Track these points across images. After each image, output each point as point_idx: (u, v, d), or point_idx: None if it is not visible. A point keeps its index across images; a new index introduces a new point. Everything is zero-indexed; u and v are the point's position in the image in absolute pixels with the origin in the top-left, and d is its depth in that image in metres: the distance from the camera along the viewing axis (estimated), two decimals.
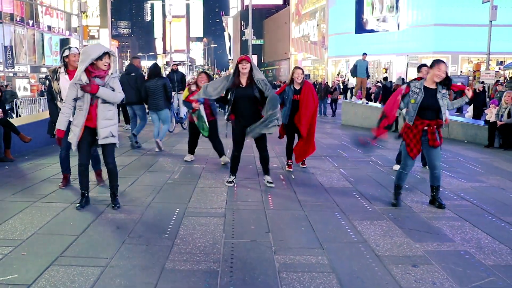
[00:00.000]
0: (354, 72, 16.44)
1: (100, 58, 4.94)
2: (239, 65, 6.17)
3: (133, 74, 10.00)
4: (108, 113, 5.13)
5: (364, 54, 16.29)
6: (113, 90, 5.10)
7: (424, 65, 7.23)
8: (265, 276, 3.56)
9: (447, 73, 5.40)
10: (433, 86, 5.37)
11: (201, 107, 7.76)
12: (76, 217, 4.98)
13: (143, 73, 11.04)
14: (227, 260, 3.85)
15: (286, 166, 7.77)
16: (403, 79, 17.69)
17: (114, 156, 5.43)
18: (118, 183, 5.50)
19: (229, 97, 6.30)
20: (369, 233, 4.56)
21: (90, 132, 5.14)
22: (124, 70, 10.56)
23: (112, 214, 5.10)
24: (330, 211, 5.34)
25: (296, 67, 7.73)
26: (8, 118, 9.53)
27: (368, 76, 16.88)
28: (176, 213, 5.12)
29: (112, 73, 5.11)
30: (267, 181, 6.55)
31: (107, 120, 5.13)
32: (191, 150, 8.44)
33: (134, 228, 4.62)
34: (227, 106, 6.38)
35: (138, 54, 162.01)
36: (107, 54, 4.99)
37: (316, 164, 8.17)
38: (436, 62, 5.39)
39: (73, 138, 5.12)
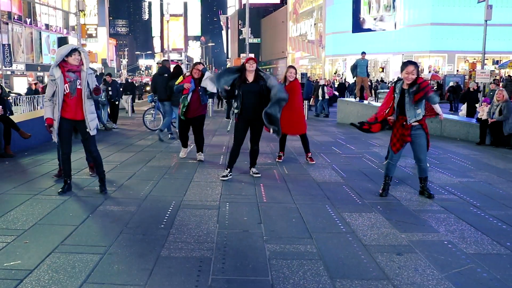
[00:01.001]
0: (354, 71, 16.41)
1: (69, 54, 5.46)
2: (247, 64, 6.63)
3: (166, 75, 11.00)
4: (92, 107, 5.71)
5: (363, 53, 16.33)
6: (88, 86, 5.59)
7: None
8: (256, 263, 3.74)
9: (418, 73, 5.63)
10: (405, 87, 5.63)
11: (189, 97, 7.85)
12: (76, 209, 5.16)
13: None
14: (220, 248, 4.03)
15: (277, 157, 8.23)
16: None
17: (96, 144, 5.93)
18: (103, 169, 5.97)
19: (236, 93, 6.62)
20: (357, 225, 4.75)
21: (69, 122, 5.61)
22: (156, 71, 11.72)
23: (110, 206, 5.28)
24: (321, 204, 5.52)
25: (289, 66, 8.21)
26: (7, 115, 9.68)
27: (368, 75, 16.97)
28: (172, 206, 5.30)
29: (87, 69, 5.60)
30: (254, 173, 6.95)
31: (92, 113, 5.68)
32: (185, 144, 8.52)
33: (131, 219, 4.80)
34: (236, 102, 6.65)
35: (136, 52, 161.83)
36: (76, 50, 5.49)
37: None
38: (404, 65, 5.68)
39: (53, 131, 5.60)
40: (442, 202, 5.69)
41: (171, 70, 11.32)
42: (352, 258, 3.88)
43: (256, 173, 6.94)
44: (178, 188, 6.16)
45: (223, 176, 6.74)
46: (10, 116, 9.96)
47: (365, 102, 16.81)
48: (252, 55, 31.86)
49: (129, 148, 9.75)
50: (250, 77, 6.66)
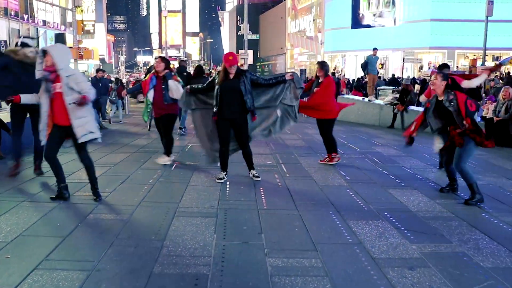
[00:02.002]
0: (365, 68, 15.59)
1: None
2: (228, 68, 6.21)
3: (185, 74, 11.97)
4: (79, 112, 5.08)
5: (375, 49, 15.70)
6: (72, 89, 5.04)
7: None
8: (256, 280, 3.44)
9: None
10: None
11: (150, 95, 7.49)
12: (64, 218, 4.85)
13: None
14: (218, 263, 3.72)
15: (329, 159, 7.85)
16: (413, 78, 17.30)
17: (87, 151, 5.45)
18: (96, 175, 5.56)
19: (215, 93, 6.27)
20: (365, 234, 4.45)
21: (58, 128, 5.19)
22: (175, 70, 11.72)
23: (101, 214, 4.97)
24: (325, 210, 5.22)
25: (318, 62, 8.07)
26: None
27: (377, 72, 16.39)
28: (166, 213, 4.99)
29: (65, 70, 5.07)
30: (253, 176, 6.61)
31: (80, 118, 5.09)
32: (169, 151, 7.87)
33: (123, 229, 4.49)
34: (214, 100, 6.30)
35: (134, 49, 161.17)
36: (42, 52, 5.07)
37: (310, 161, 8.05)
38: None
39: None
40: (452, 208, 5.39)
41: (140, 63, 11.48)
42: (361, 274, 3.57)
43: (256, 176, 6.60)
44: (173, 193, 5.85)
45: (220, 179, 6.45)
46: None
47: (366, 99, 16.50)
48: (248, 51, 31.53)
49: (124, 148, 9.43)
50: (232, 74, 6.25)
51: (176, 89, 7.28)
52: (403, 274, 3.58)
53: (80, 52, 23.02)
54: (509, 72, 29.39)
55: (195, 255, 3.89)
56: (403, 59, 36.25)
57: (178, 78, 7.53)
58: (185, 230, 4.47)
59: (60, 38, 48.66)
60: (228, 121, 6.33)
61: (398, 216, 5.03)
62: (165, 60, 7.64)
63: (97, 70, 14.81)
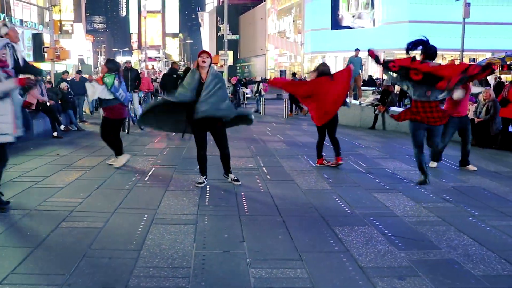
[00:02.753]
0: None
1: None
2: (199, 58, 5.97)
3: (174, 75, 13.10)
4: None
5: (357, 49, 15.67)
6: None
7: None
8: None
9: None
10: None
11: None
12: (34, 227, 4.57)
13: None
14: (197, 275, 3.50)
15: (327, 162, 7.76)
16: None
17: None
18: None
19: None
20: (351, 241, 4.28)
21: None
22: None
23: (74, 222, 4.70)
24: (309, 216, 5.04)
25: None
26: None
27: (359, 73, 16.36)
28: (144, 220, 4.75)
29: None
30: (233, 180, 6.38)
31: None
32: (119, 151, 7.61)
33: (96, 238, 4.23)
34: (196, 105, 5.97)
35: (113, 49, 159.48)
36: None
37: (293, 164, 7.88)
38: None
39: None
40: (438, 211, 5.26)
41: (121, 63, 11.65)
42: (349, 285, 3.39)
43: (236, 180, 6.38)
44: (151, 199, 5.60)
45: (199, 183, 6.22)
46: None
47: (355, 102, 16.40)
48: (228, 51, 31.27)
49: (101, 151, 9.10)
50: (204, 74, 5.95)
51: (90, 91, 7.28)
52: (393, 284, 3.42)
53: (57, 52, 22.47)
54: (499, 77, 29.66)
55: (173, 266, 3.66)
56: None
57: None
58: (163, 239, 4.24)
59: (37, 38, 47.74)
60: (204, 124, 6.05)
61: (385, 221, 4.88)
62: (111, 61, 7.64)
63: (78, 72, 14.65)
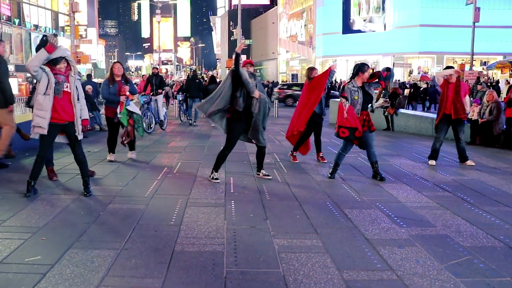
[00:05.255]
0: None
1: (57, 62, 5.56)
2: (252, 68, 6.74)
3: (197, 81, 16.47)
4: (82, 111, 5.89)
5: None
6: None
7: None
8: (266, 256, 3.94)
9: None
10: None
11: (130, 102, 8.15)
12: (86, 207, 5.32)
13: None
14: (231, 243, 4.23)
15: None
16: (403, 83, 17.78)
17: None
18: (88, 173, 6.12)
19: (238, 94, 6.52)
20: (359, 220, 4.97)
21: (56, 126, 5.69)
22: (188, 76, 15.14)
23: (120, 204, 5.45)
24: (322, 201, 5.74)
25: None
26: None
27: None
28: (179, 204, 5.48)
29: (75, 74, 5.76)
30: (264, 175, 7.03)
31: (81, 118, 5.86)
32: (111, 149, 8.43)
33: (142, 216, 4.98)
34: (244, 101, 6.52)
35: (126, 53, 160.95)
36: (63, 59, 5.59)
37: (306, 159, 8.58)
38: None
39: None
40: (438, 199, 5.93)
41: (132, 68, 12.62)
42: (356, 251, 4.09)
43: (267, 175, 7.00)
44: (182, 187, 6.35)
45: (216, 179, 6.73)
46: None
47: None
48: (243, 56, 31.90)
49: (127, 149, 9.86)
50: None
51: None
52: (393, 251, 4.11)
53: (77, 57, 23.43)
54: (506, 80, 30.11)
55: (209, 236, 4.39)
56: (393, 63, 37.00)
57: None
58: (198, 217, 4.97)
59: None
60: (244, 123, 6.64)
61: (389, 206, 5.57)
62: (120, 64, 8.43)
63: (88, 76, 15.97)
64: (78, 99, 5.73)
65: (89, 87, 14.71)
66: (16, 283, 3.37)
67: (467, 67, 32.35)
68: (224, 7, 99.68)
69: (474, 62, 33.73)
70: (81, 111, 5.80)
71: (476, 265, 3.83)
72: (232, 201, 5.64)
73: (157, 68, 15.95)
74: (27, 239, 4.27)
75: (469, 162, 8.37)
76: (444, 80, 8.22)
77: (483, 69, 39.48)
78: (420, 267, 3.76)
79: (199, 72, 68.41)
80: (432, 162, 8.39)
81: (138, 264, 3.75)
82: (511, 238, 4.50)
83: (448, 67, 8.78)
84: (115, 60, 9.96)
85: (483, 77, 32.00)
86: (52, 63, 5.50)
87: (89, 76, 18.35)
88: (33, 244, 4.15)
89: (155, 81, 14.29)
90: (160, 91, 14.12)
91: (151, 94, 13.73)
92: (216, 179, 6.77)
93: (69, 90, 5.62)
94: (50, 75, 5.47)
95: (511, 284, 3.51)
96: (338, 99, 8.11)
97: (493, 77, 38.36)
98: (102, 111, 13.75)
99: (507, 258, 4.01)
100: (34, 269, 3.62)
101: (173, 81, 37.57)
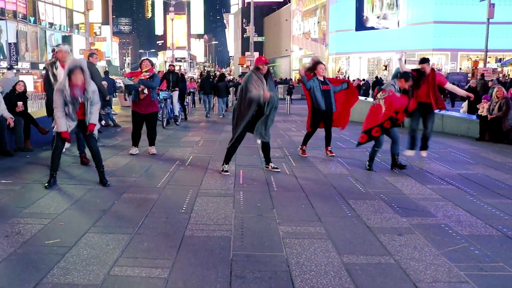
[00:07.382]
0: None
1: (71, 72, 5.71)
2: (266, 66, 6.94)
3: (210, 79, 19.41)
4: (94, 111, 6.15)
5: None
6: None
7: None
8: (271, 241, 4.16)
9: None
10: None
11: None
12: (101, 196, 5.58)
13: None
14: (238, 229, 4.45)
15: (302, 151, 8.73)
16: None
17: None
18: (102, 164, 6.30)
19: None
20: (362, 210, 5.16)
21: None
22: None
23: (133, 193, 5.71)
24: (328, 192, 5.94)
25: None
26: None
27: None
28: (189, 194, 5.72)
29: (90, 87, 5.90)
30: (273, 168, 7.22)
31: (92, 113, 6.11)
32: (136, 143, 8.62)
33: (154, 205, 5.23)
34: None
35: (139, 51, 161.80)
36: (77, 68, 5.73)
37: (316, 154, 8.77)
38: None
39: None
40: (441, 191, 6.09)
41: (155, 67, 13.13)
42: (357, 238, 4.29)
43: (276, 168, 7.19)
44: (193, 179, 6.59)
45: (226, 171, 6.95)
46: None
47: (361, 98, 17.15)
48: (254, 53, 32.27)
49: (142, 143, 10.13)
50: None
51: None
52: (393, 238, 4.30)
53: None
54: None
55: (218, 223, 4.62)
56: (405, 60, 36.90)
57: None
58: (208, 206, 5.20)
59: (66, 40, 49.47)
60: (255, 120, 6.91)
61: (392, 197, 5.75)
62: (149, 61, 8.77)
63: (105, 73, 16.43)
64: (91, 104, 5.95)
65: (104, 83, 15.02)
66: (37, 262, 3.63)
67: (481, 64, 32.21)
68: (238, 4, 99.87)
69: (489, 58, 33.52)
70: (91, 114, 5.98)
71: (471, 252, 4.01)
72: (241, 192, 5.86)
73: (173, 66, 16.77)
74: (46, 224, 4.54)
75: (423, 153, 8.56)
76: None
77: (498, 66, 39.24)
78: (418, 253, 3.95)
79: (212, 69, 68.96)
80: (410, 152, 8.51)
81: (150, 247, 3.99)
82: (509, 228, 4.66)
83: (423, 60, 8.71)
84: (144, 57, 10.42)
85: (497, 74, 31.84)
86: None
87: (106, 73, 18.75)
88: (52, 229, 4.42)
89: (172, 78, 14.74)
90: (177, 89, 14.62)
91: (166, 90, 14.05)
92: (226, 171, 6.97)
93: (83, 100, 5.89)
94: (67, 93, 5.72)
95: (503, 268, 3.68)
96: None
97: (509, 74, 38.15)
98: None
99: (502, 245, 4.18)
100: (53, 250, 3.88)
101: (188, 77, 38.10)
